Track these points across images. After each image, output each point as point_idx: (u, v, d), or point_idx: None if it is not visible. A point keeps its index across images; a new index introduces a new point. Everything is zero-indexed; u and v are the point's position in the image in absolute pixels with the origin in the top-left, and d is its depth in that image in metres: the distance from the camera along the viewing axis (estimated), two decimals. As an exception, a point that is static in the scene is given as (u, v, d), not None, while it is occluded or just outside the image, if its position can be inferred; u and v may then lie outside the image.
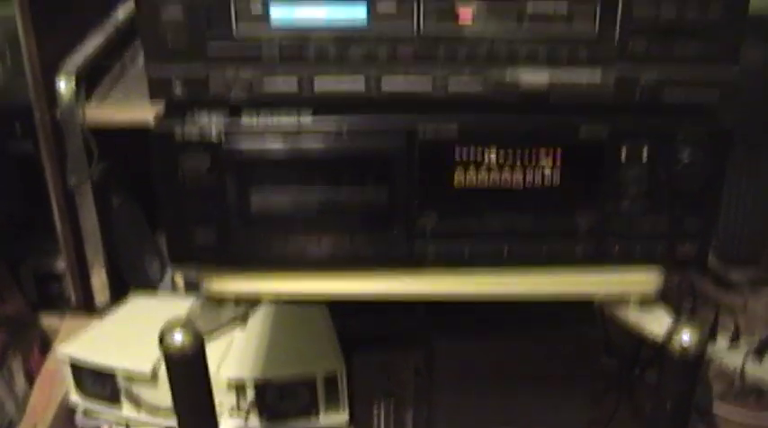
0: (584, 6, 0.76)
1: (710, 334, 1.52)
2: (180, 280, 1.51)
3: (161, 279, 1.60)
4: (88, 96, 1.33)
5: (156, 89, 0.78)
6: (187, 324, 0.84)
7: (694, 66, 0.78)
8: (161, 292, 1.54)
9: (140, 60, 1.48)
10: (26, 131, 1.41)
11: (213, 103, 0.78)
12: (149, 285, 1.55)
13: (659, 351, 0.86)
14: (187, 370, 0.86)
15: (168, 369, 0.86)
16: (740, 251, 1.71)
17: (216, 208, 0.80)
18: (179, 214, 0.81)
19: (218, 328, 0.87)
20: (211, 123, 0.77)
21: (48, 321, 1.47)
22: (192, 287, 1.49)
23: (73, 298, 1.45)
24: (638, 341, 1.34)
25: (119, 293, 1.46)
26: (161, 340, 0.84)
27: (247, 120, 0.78)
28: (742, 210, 1.69)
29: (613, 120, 0.79)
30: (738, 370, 1.47)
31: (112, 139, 1.33)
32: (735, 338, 1.52)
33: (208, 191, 0.79)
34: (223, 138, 0.77)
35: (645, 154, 0.79)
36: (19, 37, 1.26)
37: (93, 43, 1.40)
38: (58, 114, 1.30)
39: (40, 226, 1.47)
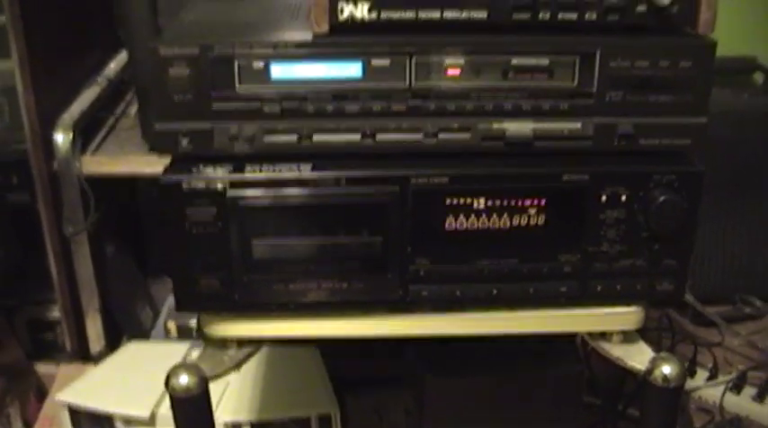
0: (564, 61, 0.82)
1: (690, 370, 1.56)
2: (172, 327, 1.54)
3: (153, 326, 1.63)
4: (83, 148, 1.38)
5: (163, 143, 0.82)
6: (192, 366, 0.87)
7: (667, 115, 0.84)
8: (154, 339, 1.57)
9: (132, 112, 1.53)
10: (22, 182, 1.45)
11: (217, 157, 0.83)
12: (142, 332, 1.58)
13: (641, 385, 0.91)
14: (192, 411, 0.89)
15: (174, 409, 0.89)
16: (717, 290, 1.77)
17: (220, 255, 0.84)
18: (185, 261, 0.84)
19: (222, 371, 0.91)
20: (216, 174, 0.81)
21: (43, 369, 1.50)
22: (184, 333, 1.52)
23: (68, 346, 1.48)
24: (620, 378, 1.38)
25: (113, 341, 1.49)
26: (167, 382, 0.87)
27: (250, 171, 0.82)
28: (720, 252, 1.76)
29: (593, 167, 0.84)
30: (718, 404, 1.51)
31: (103, 190, 1.38)
32: (713, 373, 1.56)
33: (212, 239, 0.83)
34: (228, 189, 0.82)
35: (623, 197, 0.84)
36: (17, 91, 1.31)
37: (87, 97, 1.46)
38: (56, 166, 1.34)
39: (34, 275, 1.50)
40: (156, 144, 0.83)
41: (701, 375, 1.57)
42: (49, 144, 1.34)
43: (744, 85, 1.83)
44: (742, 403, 1.51)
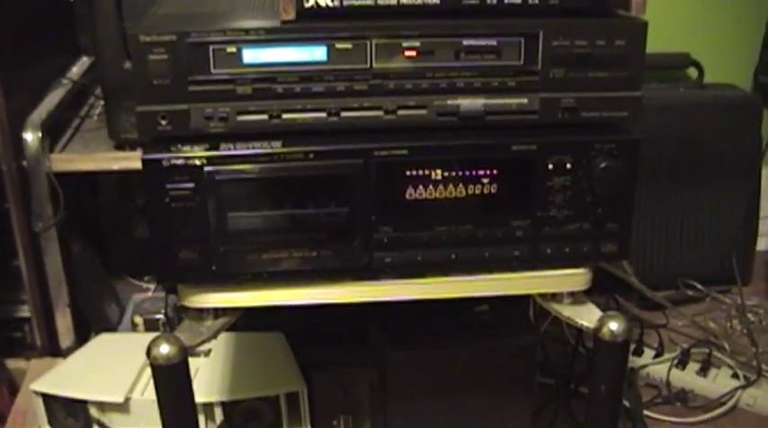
0: (511, 42, 0.90)
1: (637, 350, 1.64)
2: (139, 321, 1.58)
3: (120, 321, 1.67)
4: (51, 147, 1.42)
5: (144, 124, 0.88)
6: (172, 337, 0.93)
7: (605, 89, 0.92)
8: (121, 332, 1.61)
9: (95, 114, 1.58)
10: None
11: (194, 136, 0.89)
12: (109, 327, 1.62)
13: (590, 365, 0.98)
14: (173, 380, 0.94)
15: (155, 379, 0.94)
16: (660, 275, 1.86)
17: (198, 228, 0.90)
18: (166, 235, 0.90)
19: (200, 341, 0.96)
20: (194, 152, 0.87)
21: (14, 365, 1.52)
22: (151, 327, 1.57)
23: (38, 342, 1.51)
24: (571, 359, 1.45)
25: (81, 336, 1.53)
26: (148, 352, 0.92)
27: (225, 148, 0.88)
28: (664, 238, 1.85)
29: (540, 138, 0.92)
30: (664, 379, 1.59)
31: (67, 190, 1.41)
32: (659, 351, 1.64)
33: (191, 213, 0.89)
34: (205, 165, 0.88)
35: (568, 165, 0.92)
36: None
37: (53, 98, 1.50)
38: (25, 164, 1.38)
39: (0, 274, 1.52)
40: (138, 126, 0.88)
41: (648, 354, 1.65)
42: (18, 143, 1.38)
43: (679, 80, 1.92)
44: (686, 377, 1.59)
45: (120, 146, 1.40)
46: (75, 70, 1.65)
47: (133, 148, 1.38)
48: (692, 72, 1.90)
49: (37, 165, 1.38)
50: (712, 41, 1.93)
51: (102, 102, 1.45)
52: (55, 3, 1.66)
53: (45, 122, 1.41)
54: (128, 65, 1.31)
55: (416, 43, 0.89)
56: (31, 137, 1.38)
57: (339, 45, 0.88)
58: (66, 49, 1.70)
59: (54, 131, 1.46)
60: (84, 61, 1.70)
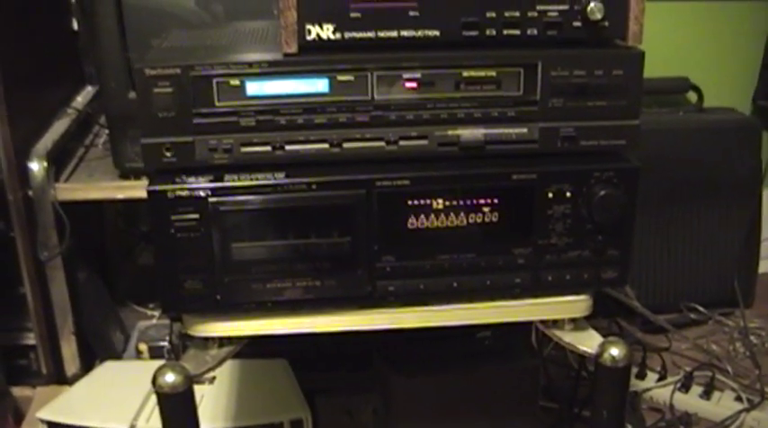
0: (510, 72, 0.91)
1: (640, 373, 1.64)
2: (144, 349, 1.59)
3: (125, 349, 1.68)
4: (56, 176, 1.43)
5: (149, 156, 0.89)
6: (178, 365, 0.93)
7: (603, 118, 0.93)
8: (126, 360, 1.62)
9: (100, 143, 1.59)
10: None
11: (199, 168, 0.90)
12: (114, 355, 1.63)
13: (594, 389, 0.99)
14: (178, 408, 0.94)
15: (160, 407, 0.94)
16: (663, 299, 1.86)
17: (202, 258, 0.91)
18: (171, 265, 0.91)
19: (205, 370, 0.96)
20: (199, 183, 0.89)
21: (19, 392, 1.52)
22: (156, 354, 1.57)
23: (44, 369, 1.51)
24: (575, 384, 1.46)
25: (87, 364, 1.54)
26: (154, 381, 0.93)
27: (230, 180, 0.90)
28: (666, 262, 1.85)
29: (540, 166, 0.93)
30: (668, 403, 1.59)
31: (73, 219, 1.43)
32: (662, 375, 1.64)
33: (195, 243, 0.90)
34: (209, 196, 0.89)
35: (568, 193, 0.93)
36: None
37: (58, 128, 1.52)
38: (31, 193, 1.39)
39: (6, 302, 1.53)
40: (143, 157, 0.89)
41: (651, 377, 1.65)
42: (23, 173, 1.39)
43: (679, 104, 1.93)
44: (690, 401, 1.59)
45: (125, 175, 1.41)
46: (80, 99, 1.67)
47: (138, 177, 1.39)
48: (692, 96, 1.91)
49: (42, 195, 1.40)
50: (711, 66, 1.94)
51: (106, 131, 1.46)
52: (60, 33, 1.68)
53: (50, 152, 1.42)
54: (132, 94, 1.32)
55: (417, 74, 0.90)
56: (36, 166, 1.39)
57: (341, 77, 0.89)
58: (71, 78, 1.72)
59: (59, 160, 1.47)
60: (89, 90, 1.72)
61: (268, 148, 0.90)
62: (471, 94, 0.91)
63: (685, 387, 1.61)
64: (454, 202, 0.93)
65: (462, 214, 0.93)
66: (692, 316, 1.86)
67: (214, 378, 1.37)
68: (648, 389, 1.62)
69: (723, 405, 1.56)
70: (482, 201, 0.93)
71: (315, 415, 1.30)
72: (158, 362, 0.95)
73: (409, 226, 0.93)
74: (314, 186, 0.90)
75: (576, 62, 0.91)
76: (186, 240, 0.90)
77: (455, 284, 0.95)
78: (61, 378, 1.52)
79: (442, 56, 0.91)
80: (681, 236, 1.86)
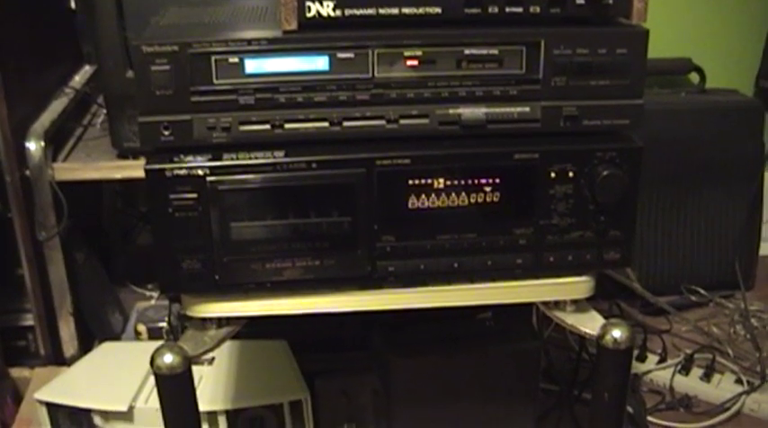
0: (512, 50, 0.90)
1: (640, 355, 1.64)
2: (143, 330, 1.58)
3: (123, 330, 1.67)
4: (54, 156, 1.42)
5: (147, 134, 0.88)
6: (176, 346, 0.93)
7: (607, 98, 0.92)
8: (125, 341, 1.61)
9: (98, 123, 1.58)
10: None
11: (197, 146, 0.89)
12: (113, 336, 1.62)
13: (594, 372, 0.98)
14: (176, 389, 0.94)
15: (159, 388, 0.94)
16: (663, 281, 1.86)
17: (201, 238, 0.90)
18: (169, 245, 0.90)
19: (203, 351, 0.96)
20: (197, 162, 0.88)
21: (18, 373, 1.52)
22: (154, 335, 1.57)
23: (42, 350, 1.51)
24: (575, 366, 1.45)
25: (85, 345, 1.53)
26: (152, 362, 0.92)
27: (228, 158, 0.89)
28: (667, 244, 1.85)
29: (542, 146, 0.92)
30: (668, 385, 1.59)
31: (70, 199, 1.42)
32: (663, 357, 1.64)
33: (194, 223, 0.89)
34: (207, 175, 0.88)
35: (570, 173, 0.92)
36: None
37: (56, 108, 1.51)
38: (28, 173, 1.38)
39: (3, 283, 1.52)
40: (140, 136, 0.88)
41: (652, 359, 1.64)
42: (21, 153, 1.38)
43: (681, 85, 1.92)
44: (690, 383, 1.59)
45: (123, 154, 1.41)
46: (78, 79, 1.66)
47: (136, 157, 1.39)
48: (694, 77, 1.91)
49: (40, 175, 1.39)
50: (714, 47, 1.93)
51: (104, 111, 1.45)
52: (57, 12, 1.67)
53: (48, 132, 1.42)
54: (130, 74, 1.31)
55: (418, 52, 0.89)
56: (34, 146, 1.38)
57: (341, 55, 0.88)
58: (69, 58, 1.70)
59: (57, 140, 1.46)
60: (87, 70, 1.71)
61: (267, 127, 0.89)
62: (473, 73, 0.90)
63: (685, 369, 1.60)
64: (455, 182, 0.92)
65: (463, 194, 0.92)
66: (693, 298, 1.86)
67: (213, 359, 1.37)
68: (649, 371, 1.62)
69: (723, 387, 1.56)
70: (483, 181, 0.92)
71: (314, 397, 1.30)
72: (157, 343, 0.95)
73: (410, 205, 0.92)
74: (313, 165, 0.89)
75: (579, 40, 0.89)
76: (184, 220, 0.89)
77: (456, 264, 0.94)
78: (59, 360, 1.52)
79: (444, 33, 0.90)
80: (681, 218, 1.86)
